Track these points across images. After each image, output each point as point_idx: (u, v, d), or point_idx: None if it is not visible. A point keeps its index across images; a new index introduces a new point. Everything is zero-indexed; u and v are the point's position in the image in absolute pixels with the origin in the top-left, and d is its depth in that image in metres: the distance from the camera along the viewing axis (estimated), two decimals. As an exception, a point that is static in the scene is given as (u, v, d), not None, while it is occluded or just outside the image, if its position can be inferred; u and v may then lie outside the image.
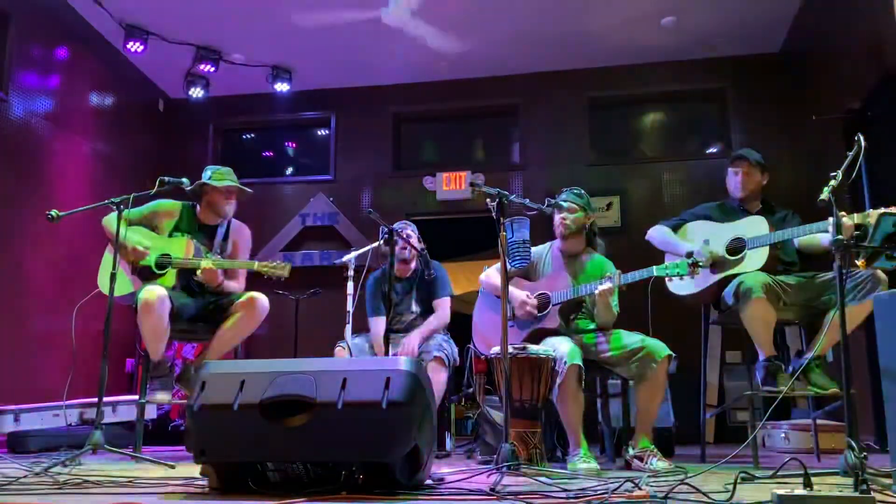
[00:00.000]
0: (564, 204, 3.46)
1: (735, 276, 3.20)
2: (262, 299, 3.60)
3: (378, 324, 3.95)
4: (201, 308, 3.68)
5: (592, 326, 3.44)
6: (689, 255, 3.22)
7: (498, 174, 6.55)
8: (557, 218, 3.48)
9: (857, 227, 2.77)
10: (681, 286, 3.43)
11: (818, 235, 3.16)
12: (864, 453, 2.01)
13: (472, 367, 4.09)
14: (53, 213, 3.23)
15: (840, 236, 2.25)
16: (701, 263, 3.14)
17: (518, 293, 3.38)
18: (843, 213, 2.63)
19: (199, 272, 3.53)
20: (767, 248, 3.19)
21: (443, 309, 4.09)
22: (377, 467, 1.93)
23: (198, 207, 3.83)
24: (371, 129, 6.87)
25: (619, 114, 6.86)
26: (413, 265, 4.11)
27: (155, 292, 3.38)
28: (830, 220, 2.92)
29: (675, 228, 3.57)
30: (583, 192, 3.54)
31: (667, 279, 3.45)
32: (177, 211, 3.80)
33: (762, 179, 3.47)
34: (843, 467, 2.15)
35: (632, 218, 6.26)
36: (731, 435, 5.39)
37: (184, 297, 3.63)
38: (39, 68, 5.33)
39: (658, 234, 3.58)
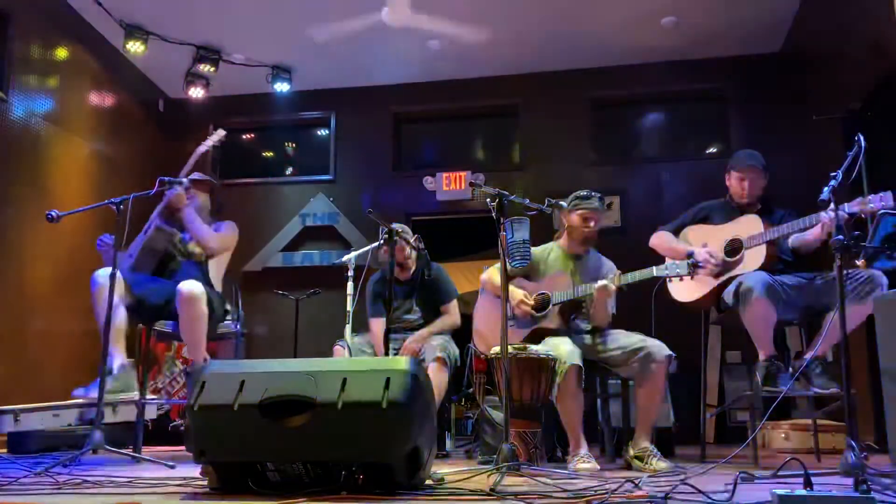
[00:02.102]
0: (569, 208, 3.46)
1: (734, 277, 3.21)
2: (184, 287, 3.41)
3: (378, 325, 3.95)
4: (164, 296, 3.55)
5: (592, 326, 3.44)
6: (690, 255, 3.22)
7: (498, 174, 6.54)
8: (581, 220, 3.46)
9: (851, 216, 2.79)
10: (684, 293, 3.43)
11: (805, 233, 3.16)
12: (865, 453, 2.01)
13: (472, 367, 4.10)
14: (53, 213, 3.23)
15: (840, 236, 2.25)
16: (701, 264, 3.14)
17: (517, 292, 3.38)
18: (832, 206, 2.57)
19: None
20: (764, 246, 3.19)
21: (452, 314, 4.10)
22: (377, 467, 1.93)
23: None
24: (371, 129, 6.87)
25: (619, 114, 6.86)
26: (413, 267, 4.11)
27: (102, 271, 3.40)
28: (822, 214, 2.94)
29: (676, 232, 3.57)
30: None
31: (669, 286, 3.46)
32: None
33: (765, 182, 3.47)
34: (843, 467, 2.15)
35: (632, 218, 6.25)
36: (731, 435, 5.39)
37: (149, 285, 3.59)
38: (39, 68, 5.32)
39: (660, 239, 3.58)
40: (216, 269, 3.86)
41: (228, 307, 3.95)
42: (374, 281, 4.10)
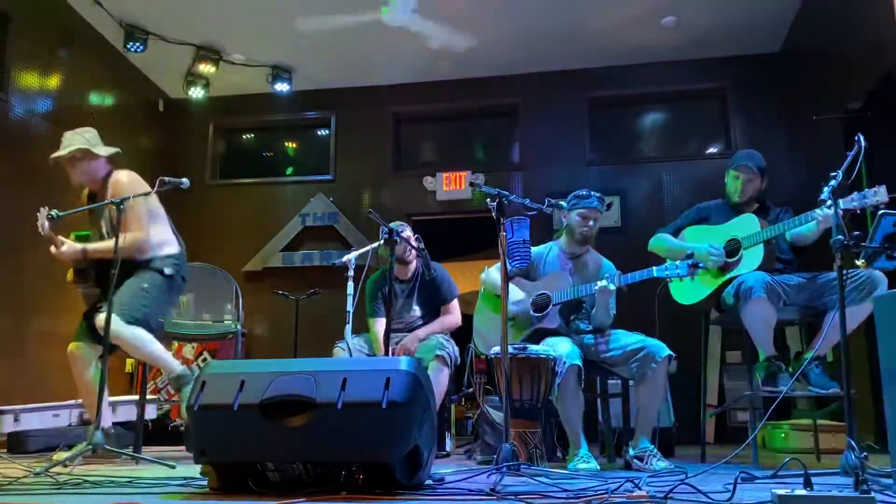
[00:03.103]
0: (569, 208, 3.46)
1: (735, 277, 3.21)
2: (95, 326, 3.19)
3: (378, 325, 3.95)
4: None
5: (593, 327, 3.44)
6: (690, 255, 3.22)
7: (498, 174, 6.54)
8: (580, 220, 3.45)
9: (847, 211, 2.79)
10: (687, 295, 3.43)
11: (804, 227, 3.16)
12: (864, 453, 2.01)
13: (472, 367, 4.09)
14: (53, 213, 3.23)
15: (840, 236, 2.25)
16: (701, 265, 3.14)
17: (515, 295, 3.38)
18: (830, 202, 2.60)
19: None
20: (762, 245, 3.19)
21: (453, 313, 4.09)
22: (377, 467, 1.93)
23: None
24: (371, 129, 6.87)
25: (619, 114, 6.85)
26: (413, 266, 4.11)
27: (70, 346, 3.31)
28: (817, 211, 2.94)
29: (675, 234, 3.57)
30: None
31: (671, 288, 3.46)
32: (84, 196, 3.54)
33: (762, 185, 3.47)
34: (843, 467, 2.15)
35: (632, 218, 6.25)
36: (731, 435, 5.39)
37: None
38: (39, 68, 5.33)
39: (660, 242, 3.58)
40: (153, 227, 3.41)
41: (176, 263, 3.44)
42: (374, 280, 4.10)
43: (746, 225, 3.29)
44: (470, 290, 6.04)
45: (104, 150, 3.51)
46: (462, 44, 6.06)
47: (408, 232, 4.04)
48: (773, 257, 3.24)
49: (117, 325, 3.09)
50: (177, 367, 3.31)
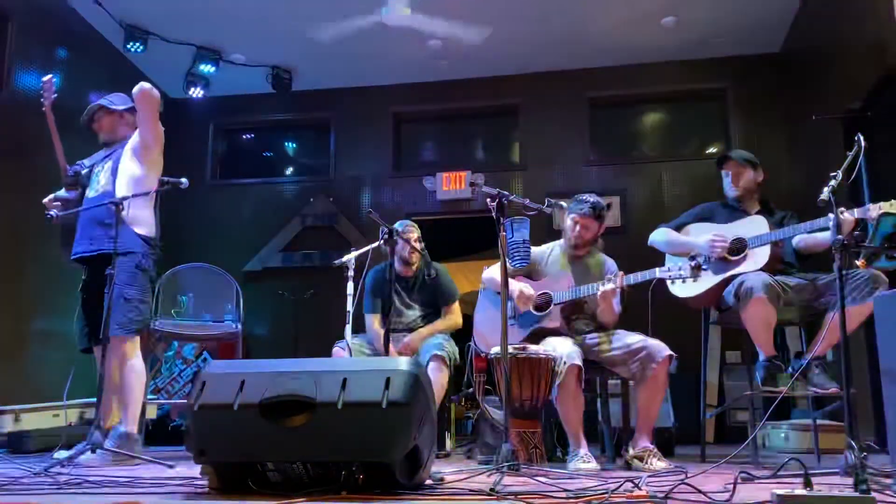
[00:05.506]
0: (570, 214, 3.46)
1: (737, 275, 3.20)
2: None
3: (373, 321, 3.95)
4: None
5: (593, 327, 3.44)
6: (693, 257, 3.22)
7: (498, 174, 6.54)
8: (571, 222, 3.46)
9: (857, 222, 2.79)
10: (683, 289, 3.42)
11: (818, 234, 3.16)
12: (864, 453, 2.01)
13: (472, 367, 4.09)
14: (53, 213, 3.23)
15: (840, 236, 2.25)
16: (705, 266, 3.13)
17: (517, 284, 3.37)
18: (842, 209, 2.67)
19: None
20: (768, 247, 3.19)
21: (453, 315, 4.09)
22: (377, 467, 1.93)
23: None
24: (371, 129, 6.87)
25: (619, 114, 6.85)
26: (415, 266, 4.11)
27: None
28: (831, 216, 2.94)
29: (677, 230, 3.56)
30: (601, 201, 3.52)
31: (668, 282, 3.45)
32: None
33: (756, 176, 3.47)
34: (843, 467, 2.15)
35: (632, 218, 6.25)
36: (731, 435, 5.39)
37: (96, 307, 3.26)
38: (39, 68, 5.32)
39: (661, 236, 3.57)
40: (146, 202, 3.37)
41: (151, 252, 3.41)
42: (376, 273, 4.07)
43: (754, 226, 3.29)
44: (470, 290, 6.04)
45: (121, 105, 3.62)
46: (464, 40, 6.05)
47: (415, 234, 4.05)
48: (777, 259, 3.25)
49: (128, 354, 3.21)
50: (128, 426, 3.25)
